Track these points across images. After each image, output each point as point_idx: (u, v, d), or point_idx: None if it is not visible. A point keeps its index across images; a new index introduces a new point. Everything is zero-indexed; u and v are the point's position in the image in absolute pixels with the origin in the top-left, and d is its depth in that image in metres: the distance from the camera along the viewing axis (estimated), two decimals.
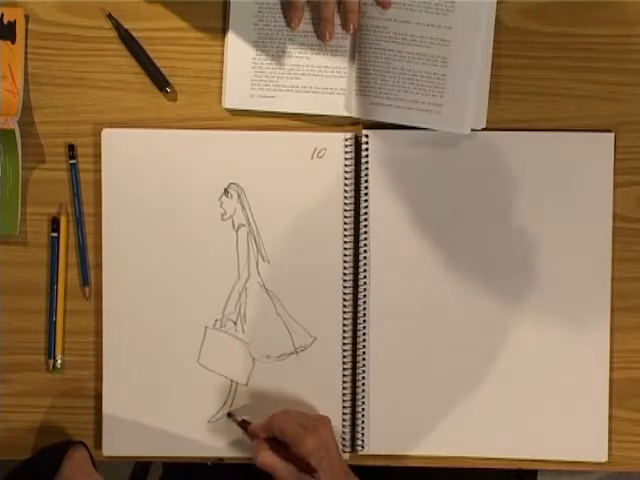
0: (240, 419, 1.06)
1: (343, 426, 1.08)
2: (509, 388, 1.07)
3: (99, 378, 1.08)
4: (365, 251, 1.07)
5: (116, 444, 1.08)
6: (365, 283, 1.07)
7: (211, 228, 1.07)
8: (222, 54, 1.07)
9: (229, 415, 1.07)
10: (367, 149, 1.06)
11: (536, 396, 1.07)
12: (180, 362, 1.08)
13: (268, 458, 1.01)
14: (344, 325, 1.07)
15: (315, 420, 1.04)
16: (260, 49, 1.06)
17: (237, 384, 1.08)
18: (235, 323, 1.08)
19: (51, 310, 1.08)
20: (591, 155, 1.06)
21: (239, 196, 1.07)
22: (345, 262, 1.07)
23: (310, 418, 1.05)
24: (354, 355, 1.08)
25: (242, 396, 1.08)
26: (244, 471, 1.17)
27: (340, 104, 1.06)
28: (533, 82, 1.06)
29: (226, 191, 1.07)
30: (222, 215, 1.07)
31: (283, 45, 1.06)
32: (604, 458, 1.08)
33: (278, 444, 1.01)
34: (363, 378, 1.07)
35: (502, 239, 1.07)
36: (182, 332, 1.08)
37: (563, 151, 1.06)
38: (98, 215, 1.08)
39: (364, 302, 1.07)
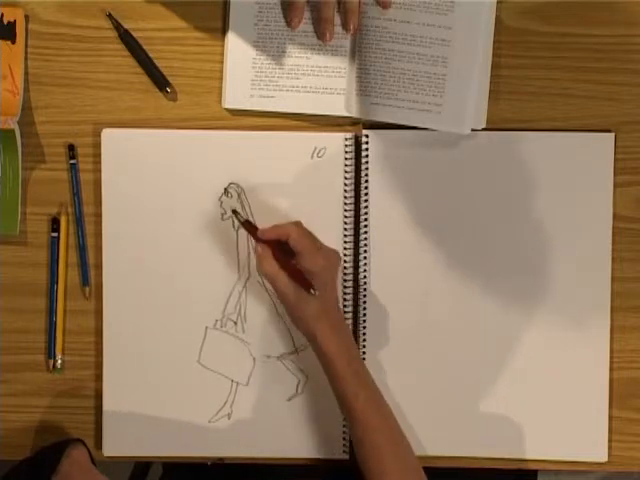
0: (244, 219, 1.03)
1: (344, 426, 1.08)
2: (509, 388, 1.07)
3: (99, 378, 1.08)
4: (365, 251, 1.07)
5: (116, 444, 1.09)
6: (365, 283, 1.07)
7: (211, 228, 1.07)
8: (222, 54, 1.07)
9: (234, 212, 1.04)
10: (367, 149, 1.06)
11: (536, 396, 1.07)
12: (180, 362, 1.08)
13: (273, 267, 0.99)
14: None
15: (328, 248, 1.04)
16: (260, 49, 1.06)
17: (237, 384, 1.08)
18: (235, 323, 1.08)
19: (51, 310, 1.08)
20: (591, 155, 1.06)
21: (239, 196, 1.07)
22: (345, 262, 1.07)
23: (323, 244, 1.04)
24: None
25: (242, 396, 1.08)
26: (244, 471, 1.17)
27: (340, 104, 1.06)
28: (533, 82, 1.06)
29: (226, 191, 1.07)
30: (222, 215, 1.07)
31: (283, 45, 1.06)
32: (604, 458, 1.08)
33: (281, 253, 0.99)
34: None
35: (502, 239, 1.07)
36: (182, 332, 1.08)
37: (563, 151, 1.06)
38: (98, 215, 1.08)
39: (364, 302, 1.07)
